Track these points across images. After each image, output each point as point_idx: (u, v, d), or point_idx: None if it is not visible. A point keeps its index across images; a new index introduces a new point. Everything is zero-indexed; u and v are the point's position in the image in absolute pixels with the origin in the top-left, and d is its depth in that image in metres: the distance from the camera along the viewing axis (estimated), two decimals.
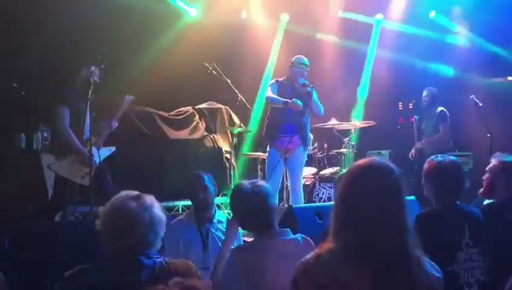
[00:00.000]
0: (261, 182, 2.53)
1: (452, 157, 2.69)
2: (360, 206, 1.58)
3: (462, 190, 2.59)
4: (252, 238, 2.55)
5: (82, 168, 4.54)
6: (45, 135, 5.52)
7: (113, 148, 4.85)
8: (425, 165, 2.66)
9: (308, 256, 1.64)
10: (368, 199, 1.58)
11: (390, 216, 1.57)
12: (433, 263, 1.66)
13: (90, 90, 4.46)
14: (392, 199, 1.59)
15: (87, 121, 4.61)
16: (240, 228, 2.68)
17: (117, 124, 4.86)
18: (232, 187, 2.65)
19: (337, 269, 1.53)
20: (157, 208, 1.90)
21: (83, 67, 4.60)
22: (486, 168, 2.97)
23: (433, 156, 2.69)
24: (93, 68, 4.57)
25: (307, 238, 2.44)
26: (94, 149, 4.56)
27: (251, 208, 2.40)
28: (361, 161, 1.71)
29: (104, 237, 1.87)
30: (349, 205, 1.61)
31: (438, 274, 1.64)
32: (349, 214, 1.60)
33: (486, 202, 3.25)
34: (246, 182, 2.53)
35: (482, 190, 2.99)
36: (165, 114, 7.13)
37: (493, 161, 2.95)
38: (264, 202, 2.42)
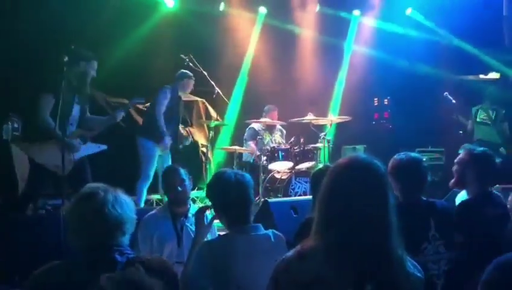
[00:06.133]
0: (243, 173, 2.44)
1: (412, 154, 2.76)
2: (343, 205, 1.55)
3: (424, 184, 2.66)
4: (224, 232, 2.50)
5: (59, 156, 4.42)
6: (15, 125, 5.37)
7: (103, 146, 4.67)
8: (389, 164, 2.70)
9: (290, 253, 1.61)
10: (352, 197, 1.55)
11: (374, 215, 1.54)
12: (415, 262, 1.65)
13: (86, 84, 4.44)
14: (377, 198, 1.56)
15: (74, 113, 4.49)
16: (215, 219, 2.62)
17: (121, 117, 4.81)
18: (212, 176, 2.53)
19: (319, 267, 1.50)
20: (121, 204, 1.80)
21: (84, 60, 4.50)
22: (455, 160, 3.03)
23: (396, 155, 2.75)
24: (66, 58, 4.44)
25: (279, 234, 2.40)
26: (79, 141, 4.44)
27: (232, 199, 2.31)
28: (346, 158, 1.66)
29: (69, 231, 1.81)
30: (332, 202, 1.58)
31: (419, 274, 1.62)
32: (332, 212, 1.57)
33: (460, 195, 3.31)
34: (228, 170, 2.43)
35: (452, 181, 3.04)
36: (140, 106, 7.02)
37: (462, 153, 3.02)
38: (245, 193, 2.35)
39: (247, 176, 2.43)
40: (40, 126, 4.49)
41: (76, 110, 4.50)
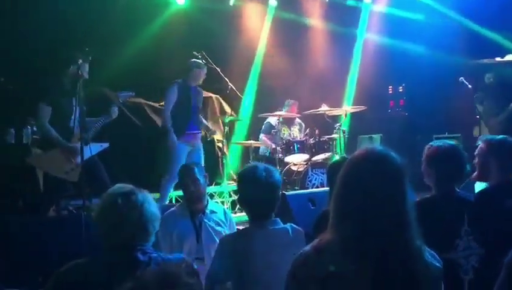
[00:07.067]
0: (274, 171, 2.42)
1: (451, 142, 2.67)
2: (360, 197, 1.54)
3: (463, 175, 2.58)
4: (243, 227, 2.53)
5: (67, 163, 4.42)
6: (35, 129, 5.45)
7: (105, 145, 4.67)
8: (425, 151, 2.62)
9: (307, 248, 1.62)
10: (368, 189, 1.54)
11: (391, 207, 1.53)
12: (433, 252, 1.63)
13: (78, 85, 4.37)
14: (393, 189, 1.55)
15: (75, 116, 4.48)
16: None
17: (116, 113, 4.74)
18: (244, 168, 2.54)
19: (336, 261, 1.50)
20: (150, 204, 1.86)
21: (72, 64, 4.45)
22: (475, 153, 2.91)
23: (432, 142, 2.68)
24: (80, 61, 4.46)
25: (297, 228, 2.42)
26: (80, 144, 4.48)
27: (259, 200, 2.33)
28: (362, 151, 1.65)
29: (99, 231, 1.86)
30: (348, 195, 1.57)
31: (438, 264, 1.61)
32: (348, 205, 1.56)
33: (478, 185, 3.26)
34: (259, 167, 2.39)
35: (475, 174, 2.91)
36: (155, 104, 7.08)
37: (480, 144, 2.91)
38: (273, 195, 2.37)
39: (277, 175, 2.42)
40: (41, 134, 4.57)
41: (76, 113, 4.47)
